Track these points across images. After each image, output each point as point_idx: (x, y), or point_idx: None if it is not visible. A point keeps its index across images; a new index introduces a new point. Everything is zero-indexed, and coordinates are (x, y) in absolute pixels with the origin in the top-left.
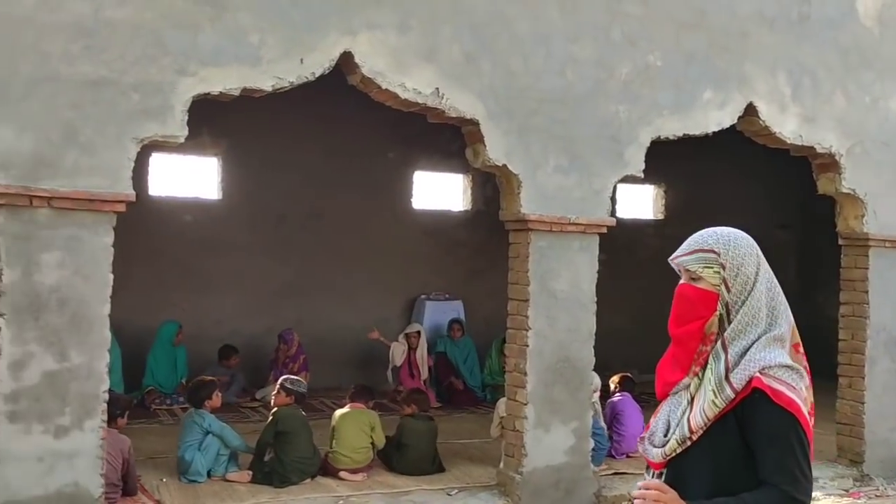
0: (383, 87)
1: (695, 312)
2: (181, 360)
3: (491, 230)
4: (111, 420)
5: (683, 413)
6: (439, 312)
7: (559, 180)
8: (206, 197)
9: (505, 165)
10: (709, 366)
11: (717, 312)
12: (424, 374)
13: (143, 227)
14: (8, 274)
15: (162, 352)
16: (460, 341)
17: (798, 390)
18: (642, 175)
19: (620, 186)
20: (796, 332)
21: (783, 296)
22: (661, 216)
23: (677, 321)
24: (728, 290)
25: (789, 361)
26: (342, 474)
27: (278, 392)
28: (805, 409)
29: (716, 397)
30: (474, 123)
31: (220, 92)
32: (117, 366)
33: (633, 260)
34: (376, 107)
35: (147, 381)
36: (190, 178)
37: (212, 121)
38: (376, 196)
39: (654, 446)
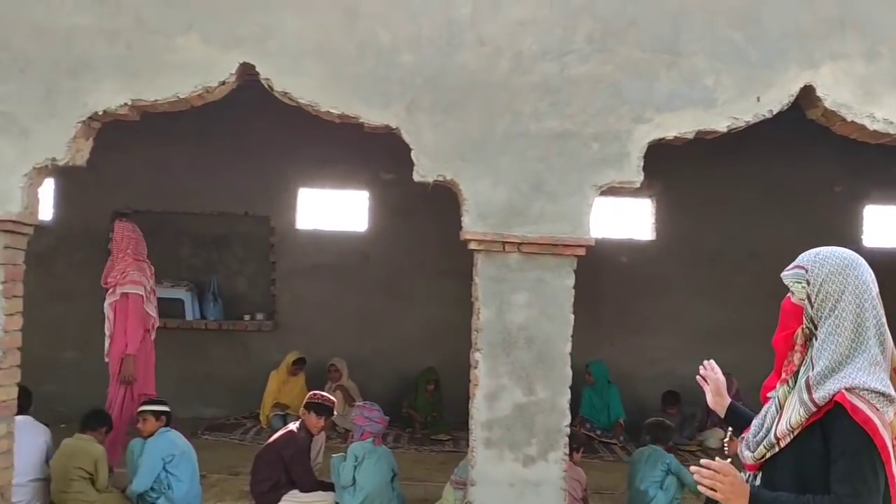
0: (848, 119)
1: (786, 323)
2: (615, 399)
3: None
4: (570, 453)
5: (773, 420)
6: None
7: None
8: (641, 237)
9: None
10: (799, 376)
11: (804, 325)
12: None
13: (583, 267)
14: (484, 312)
15: (594, 389)
16: None
17: (881, 413)
18: None
19: None
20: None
21: (883, 319)
22: None
23: (777, 331)
24: (811, 306)
25: (883, 388)
26: None
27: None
28: (884, 432)
29: (801, 407)
30: None
31: (675, 136)
32: None
33: None
34: (822, 140)
35: (582, 412)
36: (625, 219)
37: (646, 162)
38: (819, 233)
39: (748, 449)
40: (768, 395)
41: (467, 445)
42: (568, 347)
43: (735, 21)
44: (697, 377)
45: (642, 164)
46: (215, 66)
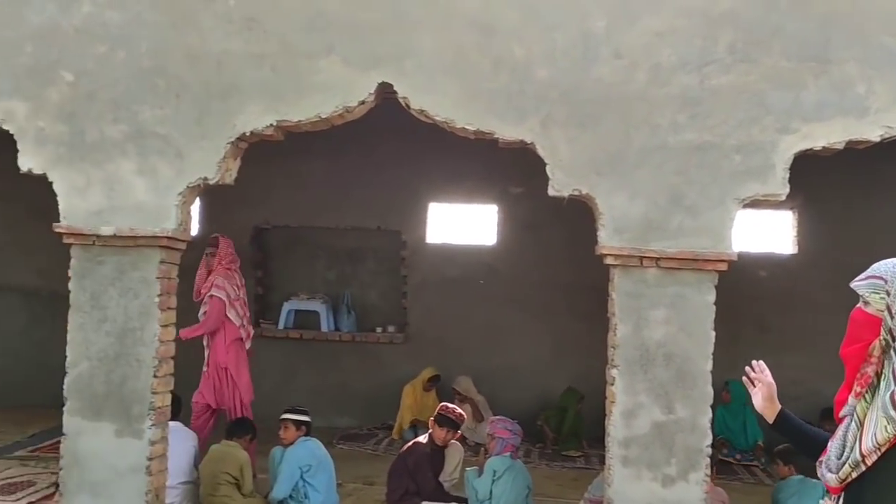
0: None
1: (860, 335)
2: (752, 420)
3: None
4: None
5: (855, 437)
6: None
7: None
8: (781, 251)
9: None
10: (878, 391)
11: (881, 337)
12: None
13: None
14: (621, 328)
15: (730, 409)
16: None
17: None
18: None
19: None
20: None
21: None
22: None
23: (846, 342)
24: (892, 317)
25: None
26: None
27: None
28: None
29: (889, 424)
30: None
31: (823, 147)
32: None
33: None
34: None
35: (718, 432)
36: (764, 232)
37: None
38: None
39: (830, 471)
40: (841, 413)
41: (599, 462)
42: (709, 365)
43: (889, 25)
44: (744, 379)
45: (787, 175)
46: (355, 87)
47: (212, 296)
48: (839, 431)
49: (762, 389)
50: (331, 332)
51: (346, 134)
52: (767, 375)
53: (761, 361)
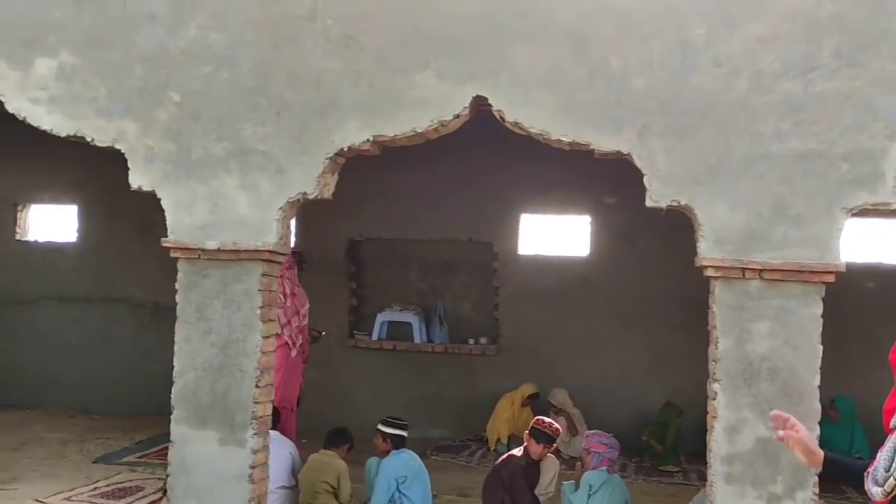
0: None
1: None
2: (860, 437)
3: None
4: None
5: None
6: None
7: None
8: (890, 262)
9: None
10: None
11: None
12: None
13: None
14: (722, 342)
15: (837, 427)
16: None
17: None
18: None
19: None
20: None
21: None
22: None
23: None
24: None
25: None
26: None
27: None
28: None
29: None
30: None
31: None
32: None
33: None
34: None
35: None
36: (871, 241)
37: None
38: None
39: (877, 483)
40: (892, 423)
41: (698, 478)
42: (816, 380)
43: None
44: (775, 439)
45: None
46: (450, 101)
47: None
48: (889, 442)
49: (797, 447)
50: (423, 343)
51: (437, 146)
52: (800, 429)
53: (789, 417)
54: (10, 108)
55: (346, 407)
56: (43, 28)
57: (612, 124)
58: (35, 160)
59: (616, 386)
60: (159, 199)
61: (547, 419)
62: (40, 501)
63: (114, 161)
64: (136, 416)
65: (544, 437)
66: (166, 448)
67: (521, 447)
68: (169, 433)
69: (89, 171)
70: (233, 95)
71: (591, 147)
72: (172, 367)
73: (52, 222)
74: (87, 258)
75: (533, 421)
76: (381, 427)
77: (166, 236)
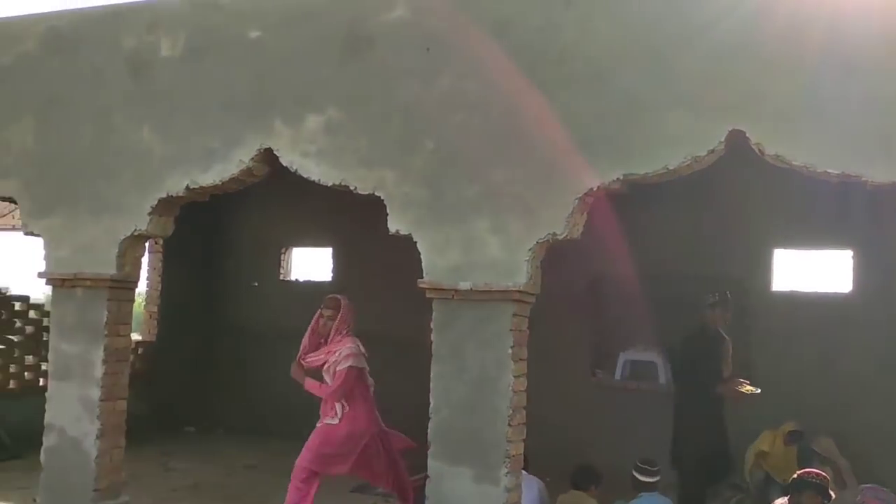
0: None
1: None
2: None
3: None
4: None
5: None
6: None
7: None
8: None
9: None
10: None
11: None
12: None
13: None
14: None
15: None
16: None
17: None
18: None
19: None
20: None
21: None
22: None
23: None
24: None
25: None
26: None
27: None
28: None
29: None
30: None
31: None
32: None
33: None
34: None
35: None
36: None
37: None
38: None
39: None
40: None
41: None
42: None
43: None
44: None
45: None
46: (704, 136)
47: (350, 367)
48: None
49: None
50: (668, 383)
51: (684, 180)
52: None
53: None
54: (283, 161)
55: (589, 446)
56: (312, 87)
57: (886, 154)
58: (296, 208)
59: (890, 436)
60: (414, 242)
61: (813, 470)
62: None
63: (363, 208)
64: None
65: (814, 487)
66: (418, 481)
67: (784, 498)
68: (420, 466)
69: (342, 217)
70: (484, 140)
71: (863, 178)
72: (418, 401)
73: (310, 263)
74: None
75: (799, 473)
76: (633, 472)
77: (411, 277)
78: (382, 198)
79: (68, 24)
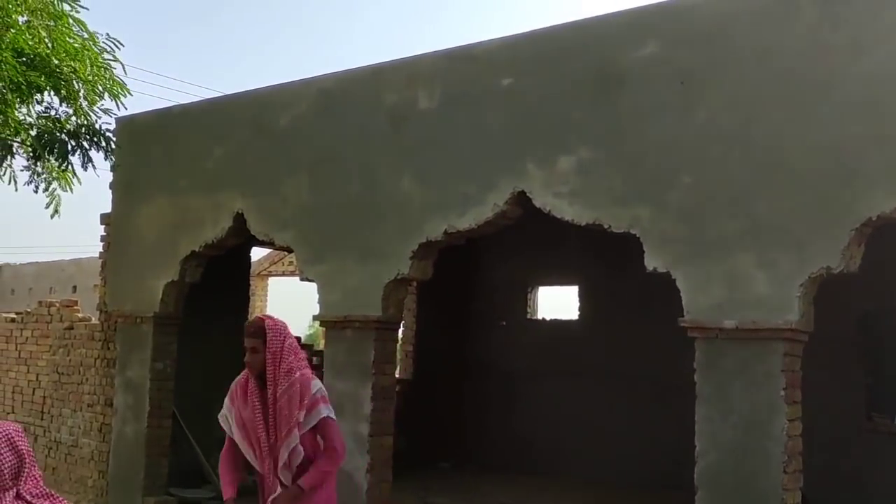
0: None
1: None
2: None
3: None
4: None
5: None
6: None
7: None
8: None
9: None
10: None
11: None
12: None
13: None
14: None
15: None
16: None
17: None
18: None
19: None
20: None
21: None
22: None
23: None
24: None
25: None
26: None
27: None
28: None
29: None
30: None
31: None
32: None
33: None
34: None
35: None
36: None
37: None
38: None
39: None
40: None
41: None
42: None
43: None
44: None
45: None
46: None
47: (326, 418)
48: None
49: None
50: None
51: None
52: None
53: None
54: (536, 203)
55: (863, 499)
56: (564, 128)
57: None
58: (543, 247)
59: None
60: (672, 280)
61: None
62: None
63: (613, 245)
64: (640, 487)
65: None
66: None
67: None
68: None
69: (590, 254)
70: (745, 173)
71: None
72: (677, 444)
73: (556, 302)
74: (589, 335)
75: None
76: None
77: (663, 315)
78: (638, 235)
79: (336, 85)
